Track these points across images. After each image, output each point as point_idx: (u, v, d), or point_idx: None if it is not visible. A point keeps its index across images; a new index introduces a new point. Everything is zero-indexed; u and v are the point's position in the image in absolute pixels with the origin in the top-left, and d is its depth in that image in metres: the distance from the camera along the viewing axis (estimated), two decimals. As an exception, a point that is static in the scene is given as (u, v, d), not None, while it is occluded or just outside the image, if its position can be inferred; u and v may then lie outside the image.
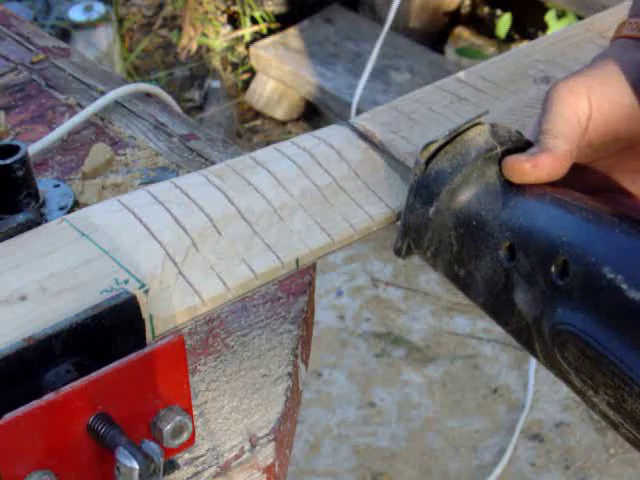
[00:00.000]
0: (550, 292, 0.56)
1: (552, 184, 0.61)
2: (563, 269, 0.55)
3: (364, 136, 0.71)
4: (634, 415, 0.52)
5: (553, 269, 0.56)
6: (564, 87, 0.62)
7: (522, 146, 0.62)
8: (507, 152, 0.61)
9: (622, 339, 0.52)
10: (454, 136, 0.62)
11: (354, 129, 0.71)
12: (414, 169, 0.62)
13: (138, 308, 0.57)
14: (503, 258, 0.59)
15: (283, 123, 2.66)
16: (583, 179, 0.65)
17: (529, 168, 0.60)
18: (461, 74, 0.78)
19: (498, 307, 0.60)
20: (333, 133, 0.71)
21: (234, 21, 2.80)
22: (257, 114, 2.68)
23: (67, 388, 0.52)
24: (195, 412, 0.67)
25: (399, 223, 0.65)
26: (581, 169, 0.64)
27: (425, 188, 0.62)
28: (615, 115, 0.62)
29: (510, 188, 0.60)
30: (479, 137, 0.62)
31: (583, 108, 0.62)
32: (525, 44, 0.82)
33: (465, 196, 0.61)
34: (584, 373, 0.54)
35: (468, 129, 0.62)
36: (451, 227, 0.62)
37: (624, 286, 0.52)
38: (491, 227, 0.60)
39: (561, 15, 2.59)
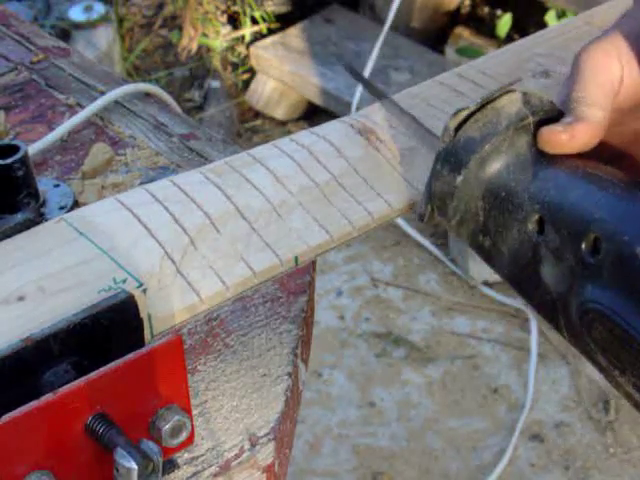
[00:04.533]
0: (580, 269, 0.55)
1: (582, 155, 0.59)
2: (594, 246, 0.54)
3: (363, 132, 0.70)
4: None
5: (584, 246, 0.54)
6: (597, 50, 0.60)
7: (555, 116, 0.60)
8: (539, 122, 0.60)
9: None
10: (485, 103, 0.60)
11: (353, 125, 0.71)
12: (443, 135, 0.61)
13: (136, 307, 0.57)
14: (531, 231, 0.58)
15: (283, 123, 2.66)
16: (607, 144, 0.63)
17: (566, 139, 0.58)
18: (460, 69, 0.78)
19: (523, 280, 0.59)
20: (332, 130, 0.70)
21: (234, 21, 2.80)
22: (257, 114, 2.68)
23: (65, 388, 0.52)
24: (195, 412, 0.67)
25: (424, 188, 0.64)
26: (606, 134, 0.62)
27: (453, 156, 0.60)
28: None
29: (541, 159, 0.59)
30: (511, 105, 0.60)
31: (615, 71, 0.60)
32: (524, 38, 0.82)
33: (494, 166, 0.60)
34: (611, 353, 0.54)
35: (500, 96, 0.60)
36: (478, 197, 0.60)
37: None
38: (520, 199, 0.58)
39: (561, 15, 2.59)
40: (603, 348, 0.54)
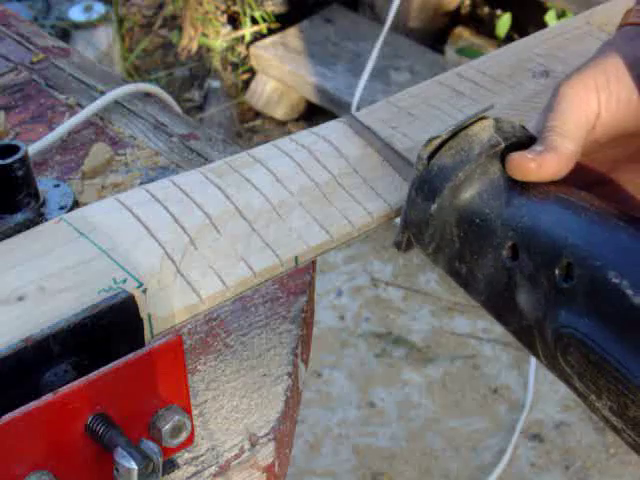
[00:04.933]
0: (553, 294, 0.55)
1: (556, 180, 0.59)
2: (567, 272, 0.54)
3: (362, 132, 0.70)
4: (636, 422, 0.52)
5: (557, 271, 0.55)
6: (576, 83, 0.61)
7: (526, 142, 0.61)
8: (510, 148, 0.60)
9: (626, 346, 0.51)
10: (457, 131, 0.61)
11: (352, 125, 0.71)
12: (416, 164, 0.61)
13: (136, 307, 0.57)
14: (506, 258, 0.58)
15: (283, 123, 2.66)
16: (586, 172, 0.64)
17: (534, 167, 0.59)
18: (460, 69, 0.77)
19: (500, 306, 0.59)
20: (332, 130, 0.70)
21: (234, 21, 2.80)
22: (257, 114, 2.68)
23: (65, 388, 0.52)
24: (195, 412, 0.67)
25: (399, 217, 0.65)
26: (584, 162, 0.63)
27: (427, 184, 0.61)
28: (622, 111, 0.61)
29: (514, 186, 0.59)
30: (483, 132, 0.60)
31: (592, 106, 0.60)
32: (524, 38, 0.82)
33: (468, 193, 0.60)
34: (587, 378, 0.54)
35: (472, 124, 0.61)
36: (453, 224, 0.61)
37: (629, 292, 0.51)
38: (494, 226, 0.59)
39: (561, 15, 2.59)
40: (579, 373, 0.54)
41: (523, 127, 0.61)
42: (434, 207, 0.61)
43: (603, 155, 0.64)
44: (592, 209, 0.56)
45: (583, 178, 0.63)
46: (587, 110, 0.60)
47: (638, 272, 0.52)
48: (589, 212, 0.56)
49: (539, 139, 0.60)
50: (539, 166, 0.59)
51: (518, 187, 0.59)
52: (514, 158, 0.59)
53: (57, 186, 0.78)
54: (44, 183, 0.77)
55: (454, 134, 0.61)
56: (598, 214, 0.56)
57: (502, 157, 0.60)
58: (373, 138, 0.70)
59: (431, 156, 0.61)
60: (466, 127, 0.61)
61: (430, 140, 0.61)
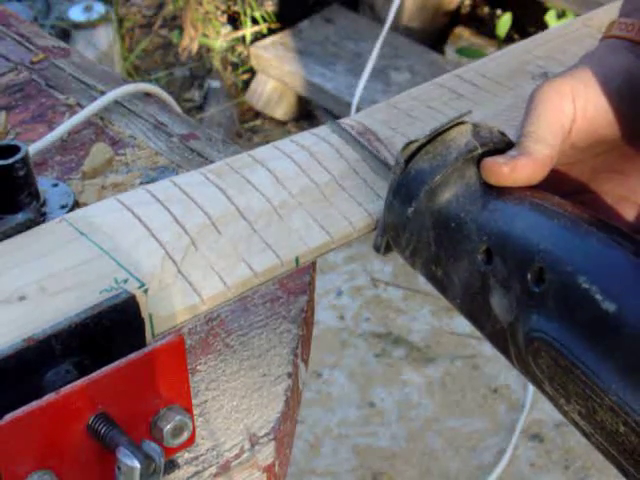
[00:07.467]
0: (525, 298, 0.55)
1: (533, 187, 0.60)
2: (539, 276, 0.54)
3: (362, 134, 0.70)
4: (604, 426, 0.52)
5: (529, 276, 0.55)
6: (549, 89, 0.61)
7: (504, 147, 0.61)
8: (488, 153, 0.60)
9: (595, 350, 0.51)
10: (435, 135, 0.61)
11: (352, 127, 0.71)
12: (394, 168, 0.62)
13: (137, 307, 0.57)
14: (480, 261, 0.58)
15: (283, 123, 2.66)
16: (566, 181, 0.64)
17: (507, 171, 0.59)
18: (460, 71, 0.78)
19: (474, 310, 0.60)
20: (332, 131, 0.71)
21: (234, 21, 2.80)
22: (257, 114, 2.68)
23: (67, 388, 0.52)
24: (195, 412, 0.67)
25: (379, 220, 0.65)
26: (564, 171, 0.64)
27: (404, 187, 0.61)
28: (600, 119, 0.61)
29: (490, 190, 0.60)
30: (460, 137, 0.61)
31: (567, 111, 0.61)
32: (524, 40, 0.82)
33: (444, 197, 0.60)
34: (556, 382, 0.54)
35: (450, 128, 0.61)
36: (429, 227, 0.61)
37: (599, 297, 0.51)
38: (469, 229, 0.59)
39: (561, 15, 2.60)
40: (549, 377, 0.54)
41: (502, 133, 0.62)
42: (411, 210, 0.61)
43: (583, 165, 0.64)
44: (565, 215, 0.56)
45: (563, 187, 0.63)
46: (561, 115, 0.61)
47: (608, 278, 0.52)
48: (562, 217, 0.56)
49: (515, 145, 0.61)
50: (512, 170, 0.59)
51: (494, 192, 0.60)
52: (487, 162, 0.60)
53: (55, 185, 0.78)
54: (42, 183, 0.77)
55: (432, 138, 0.61)
56: (571, 220, 0.56)
57: (479, 162, 0.60)
58: (353, 143, 0.70)
59: (409, 160, 0.61)
60: (444, 132, 0.61)
61: (408, 144, 0.61)
